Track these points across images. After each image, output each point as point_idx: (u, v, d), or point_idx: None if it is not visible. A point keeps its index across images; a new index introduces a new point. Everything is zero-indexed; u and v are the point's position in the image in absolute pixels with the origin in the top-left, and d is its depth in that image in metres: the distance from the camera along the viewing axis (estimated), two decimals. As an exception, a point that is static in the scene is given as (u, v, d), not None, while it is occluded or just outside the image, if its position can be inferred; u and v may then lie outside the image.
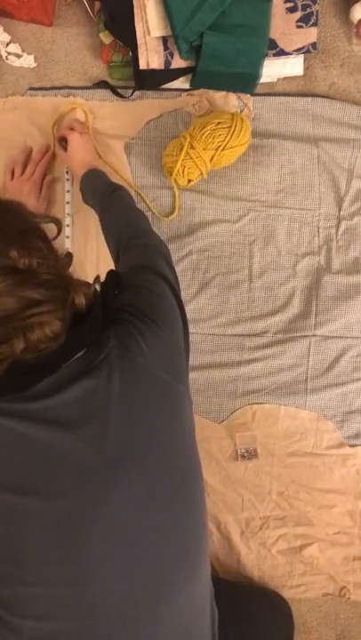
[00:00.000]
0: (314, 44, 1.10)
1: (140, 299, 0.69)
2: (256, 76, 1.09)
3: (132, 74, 1.10)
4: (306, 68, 1.15)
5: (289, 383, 1.12)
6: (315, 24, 1.09)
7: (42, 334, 0.54)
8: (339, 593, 1.10)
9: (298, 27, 1.09)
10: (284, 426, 1.12)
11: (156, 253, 0.78)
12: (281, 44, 1.09)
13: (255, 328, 1.13)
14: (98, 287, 0.64)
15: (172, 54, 1.07)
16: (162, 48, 1.07)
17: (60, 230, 0.66)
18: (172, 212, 1.13)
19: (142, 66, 1.07)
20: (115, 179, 1.03)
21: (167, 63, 1.08)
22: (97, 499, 0.58)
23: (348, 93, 1.16)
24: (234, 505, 1.10)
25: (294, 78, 1.15)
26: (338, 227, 1.14)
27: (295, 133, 1.14)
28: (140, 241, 0.81)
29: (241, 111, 1.13)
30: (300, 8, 1.08)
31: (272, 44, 1.08)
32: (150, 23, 1.05)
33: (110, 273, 0.69)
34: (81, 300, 0.59)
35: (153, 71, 1.08)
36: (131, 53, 1.08)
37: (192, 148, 1.01)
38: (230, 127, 1.01)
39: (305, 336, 1.12)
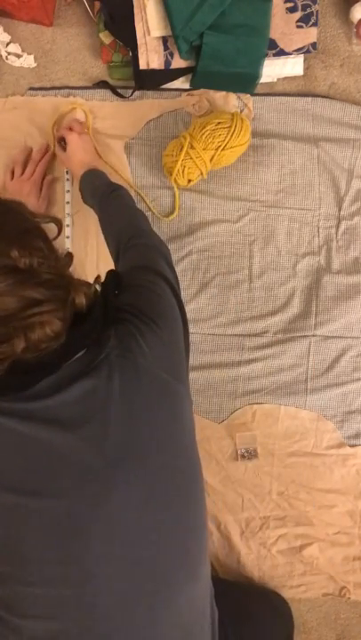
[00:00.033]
0: (314, 44, 1.10)
1: (140, 299, 0.69)
2: (256, 75, 1.09)
3: (132, 74, 1.10)
4: (306, 68, 1.15)
5: (289, 383, 1.12)
6: (315, 24, 1.09)
7: (42, 334, 0.54)
8: (339, 593, 1.10)
9: (298, 27, 1.09)
10: (284, 426, 1.12)
11: (156, 253, 0.78)
12: (281, 44, 1.09)
13: (255, 328, 1.13)
14: (98, 287, 0.64)
15: (172, 54, 1.07)
16: (162, 48, 1.07)
17: (60, 230, 0.67)
18: (172, 212, 1.13)
19: (142, 66, 1.07)
20: (115, 179, 1.03)
21: (167, 63, 1.08)
22: (97, 499, 0.58)
23: (348, 93, 1.16)
24: (234, 505, 1.10)
25: (294, 78, 1.15)
26: (338, 227, 1.14)
27: (295, 133, 1.14)
28: (140, 241, 0.81)
29: (241, 111, 1.13)
30: (300, 8, 1.08)
31: (272, 44, 1.08)
32: (150, 23, 1.05)
33: (110, 273, 0.69)
34: (81, 300, 0.59)
35: (153, 71, 1.08)
36: (131, 53, 1.08)
37: (192, 147, 1.01)
38: (230, 127, 1.01)
39: (305, 336, 1.12)
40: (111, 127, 1.13)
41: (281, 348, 1.12)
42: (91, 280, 0.64)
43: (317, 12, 1.09)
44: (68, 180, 1.11)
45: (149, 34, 1.05)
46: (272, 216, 1.14)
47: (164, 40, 1.07)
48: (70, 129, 1.05)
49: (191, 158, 1.01)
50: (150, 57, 1.07)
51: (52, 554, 0.57)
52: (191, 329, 1.08)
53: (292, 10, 1.08)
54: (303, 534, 1.10)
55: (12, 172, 1.09)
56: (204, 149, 1.01)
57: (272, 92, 1.15)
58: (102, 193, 0.94)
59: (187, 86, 1.13)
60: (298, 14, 1.08)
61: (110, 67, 1.13)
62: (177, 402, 0.66)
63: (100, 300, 0.62)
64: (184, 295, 0.94)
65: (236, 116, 1.02)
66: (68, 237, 1.11)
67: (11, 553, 0.58)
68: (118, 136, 1.12)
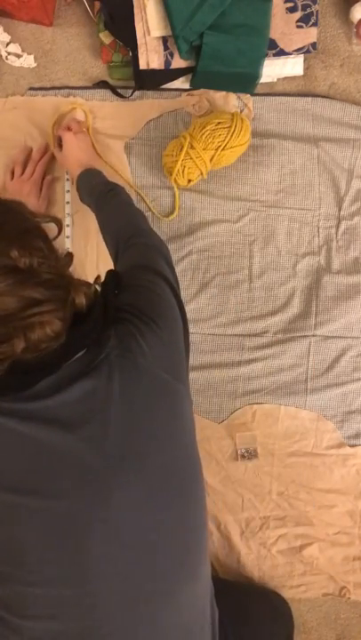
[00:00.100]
0: (314, 44, 1.10)
1: (140, 298, 0.69)
2: (256, 76, 1.09)
3: (132, 74, 1.10)
4: (306, 68, 1.15)
5: (289, 383, 1.12)
6: (315, 24, 1.09)
7: (42, 334, 0.54)
8: (339, 593, 1.10)
9: (298, 27, 1.09)
10: (284, 426, 1.12)
11: (156, 253, 0.78)
12: (281, 44, 1.09)
13: (255, 328, 1.13)
14: (98, 287, 0.64)
15: (172, 54, 1.07)
16: (162, 48, 1.07)
17: (60, 230, 0.67)
18: (172, 212, 1.13)
19: (142, 66, 1.07)
20: (115, 179, 1.03)
21: (167, 63, 1.08)
22: (97, 499, 0.58)
23: (348, 93, 1.16)
24: (234, 505, 1.10)
25: (294, 78, 1.15)
26: (338, 227, 1.14)
27: (295, 133, 1.14)
28: (139, 240, 0.81)
29: (241, 111, 1.13)
30: (300, 8, 1.08)
31: (272, 44, 1.08)
32: (150, 23, 1.05)
33: (110, 272, 0.69)
34: (81, 300, 0.59)
35: (153, 71, 1.08)
36: (131, 53, 1.08)
37: (192, 147, 1.01)
38: (230, 127, 1.01)
39: (305, 336, 1.12)
40: (111, 127, 1.13)
41: (281, 347, 1.12)
42: (91, 280, 0.64)
43: (317, 12, 1.09)
44: (67, 179, 1.11)
45: (149, 34, 1.05)
46: (272, 216, 1.14)
47: (164, 40, 1.07)
48: (68, 128, 1.05)
49: (191, 158, 1.01)
50: (150, 57, 1.07)
51: (52, 554, 0.57)
52: (191, 329, 1.08)
53: (292, 10, 1.08)
54: (303, 534, 1.10)
55: (12, 172, 1.09)
56: (204, 149, 1.01)
57: (272, 92, 1.15)
58: (99, 192, 0.93)
59: (187, 86, 1.13)
60: (298, 14, 1.08)
61: (110, 67, 1.13)
62: (177, 401, 0.66)
63: (100, 300, 0.62)
64: (184, 295, 0.94)
65: (236, 116, 1.02)
66: (68, 237, 1.11)
67: (11, 553, 0.58)
68: (118, 136, 1.12)
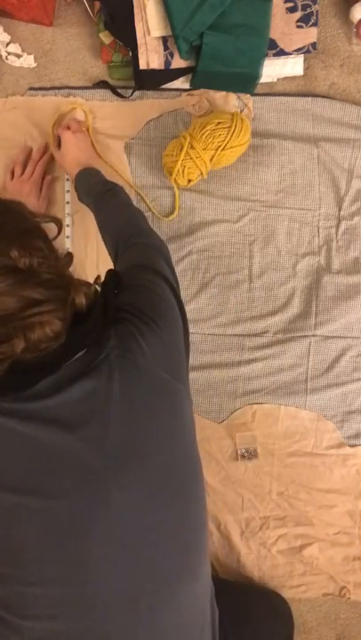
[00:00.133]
0: (314, 44, 1.10)
1: (140, 298, 0.69)
2: (256, 76, 1.09)
3: (132, 74, 1.10)
4: (306, 68, 1.15)
5: (289, 383, 1.12)
6: (315, 24, 1.09)
7: (42, 334, 0.54)
8: (339, 593, 1.10)
9: (298, 27, 1.09)
10: (284, 426, 1.12)
11: (155, 253, 0.78)
12: (281, 44, 1.09)
13: (255, 328, 1.13)
14: (98, 287, 0.64)
15: (172, 54, 1.07)
16: (162, 48, 1.07)
17: (60, 230, 0.66)
18: (172, 212, 1.13)
19: (142, 66, 1.07)
20: (115, 179, 1.03)
21: (167, 63, 1.08)
22: (97, 499, 0.58)
23: (348, 93, 1.16)
24: (234, 505, 1.10)
25: (294, 78, 1.15)
26: (338, 227, 1.14)
27: (295, 133, 1.14)
28: (139, 240, 0.81)
29: (241, 111, 1.13)
30: (300, 8, 1.08)
31: (272, 44, 1.08)
32: (150, 23, 1.05)
33: (110, 272, 0.69)
34: (81, 300, 0.59)
35: (153, 71, 1.08)
36: (131, 53, 1.08)
37: (192, 147, 1.01)
38: (230, 127, 1.01)
39: (305, 336, 1.12)
40: (111, 127, 1.13)
41: (281, 347, 1.12)
42: (91, 280, 0.64)
43: (317, 11, 1.09)
44: (67, 179, 1.11)
45: (149, 34, 1.05)
46: (272, 216, 1.14)
47: (164, 40, 1.07)
48: (67, 128, 1.05)
49: (191, 158, 1.01)
50: (150, 57, 1.07)
51: (52, 554, 0.57)
52: (191, 329, 1.08)
53: (292, 10, 1.08)
54: (303, 534, 1.10)
55: (12, 172, 1.09)
56: (204, 149, 1.01)
57: (272, 92, 1.15)
58: (98, 192, 0.93)
59: (187, 86, 1.13)
60: (298, 14, 1.08)
61: (110, 67, 1.13)
62: (177, 401, 0.66)
63: (100, 300, 0.62)
64: (184, 295, 0.94)
65: (236, 116, 1.02)
66: (68, 237, 1.11)
67: (11, 553, 0.58)
68: (118, 136, 1.12)
